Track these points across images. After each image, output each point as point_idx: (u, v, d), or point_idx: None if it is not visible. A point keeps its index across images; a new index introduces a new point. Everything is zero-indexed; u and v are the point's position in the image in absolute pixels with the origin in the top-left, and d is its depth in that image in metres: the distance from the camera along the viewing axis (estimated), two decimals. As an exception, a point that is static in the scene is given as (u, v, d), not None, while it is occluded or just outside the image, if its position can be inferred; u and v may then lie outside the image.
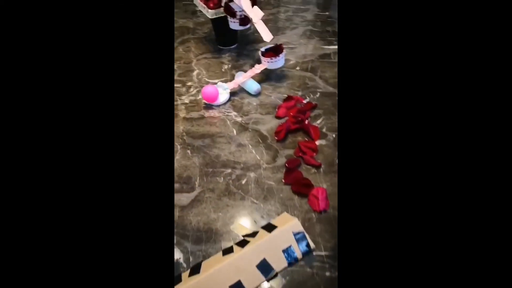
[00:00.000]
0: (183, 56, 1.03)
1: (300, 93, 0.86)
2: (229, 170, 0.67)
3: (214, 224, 0.58)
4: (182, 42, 1.10)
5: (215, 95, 0.80)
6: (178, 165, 0.69)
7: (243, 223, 0.57)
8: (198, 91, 0.88)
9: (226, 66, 0.97)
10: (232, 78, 0.92)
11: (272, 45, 0.89)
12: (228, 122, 0.78)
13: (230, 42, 1.05)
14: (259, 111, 0.81)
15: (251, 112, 0.80)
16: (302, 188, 0.61)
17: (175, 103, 0.85)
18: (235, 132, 0.76)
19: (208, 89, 0.80)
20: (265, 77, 0.90)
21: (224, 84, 0.84)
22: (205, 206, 0.61)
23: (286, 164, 0.66)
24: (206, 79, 0.92)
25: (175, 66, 0.99)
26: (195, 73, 0.96)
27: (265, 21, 1.22)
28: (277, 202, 0.61)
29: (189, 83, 0.92)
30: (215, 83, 0.88)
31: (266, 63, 0.86)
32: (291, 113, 0.76)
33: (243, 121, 0.78)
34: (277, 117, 0.78)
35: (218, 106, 0.82)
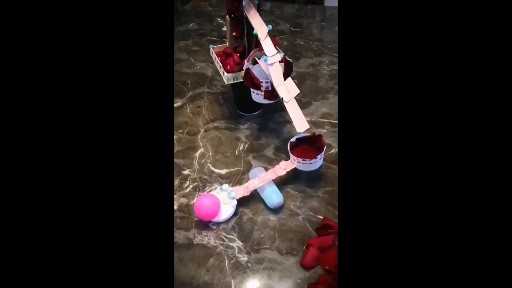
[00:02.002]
0: (189, 122, 0.76)
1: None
2: None
3: None
4: (192, 98, 0.84)
5: (213, 213, 0.52)
6: None
7: None
8: (195, 188, 0.61)
9: (241, 146, 0.69)
10: (247, 167, 0.64)
11: (308, 134, 0.60)
12: (226, 261, 0.49)
13: (252, 108, 0.77)
14: (276, 245, 0.51)
15: (264, 245, 0.51)
16: None
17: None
18: (233, 285, 0.47)
19: (204, 202, 0.52)
20: (292, 175, 0.62)
21: (230, 189, 0.56)
22: None
23: None
24: (211, 167, 0.65)
25: (175, 137, 0.73)
26: (198, 153, 0.68)
27: (302, 76, 0.92)
28: None
29: (186, 171, 0.64)
30: (221, 181, 0.60)
31: (295, 163, 0.57)
32: (327, 266, 0.47)
33: (249, 264, 0.48)
34: (304, 267, 0.49)
35: (218, 223, 0.55)
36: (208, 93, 0.85)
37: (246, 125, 0.74)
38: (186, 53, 1.03)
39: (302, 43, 1.07)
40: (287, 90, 0.56)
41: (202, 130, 0.72)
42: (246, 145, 0.68)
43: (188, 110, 0.78)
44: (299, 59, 0.98)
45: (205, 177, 0.61)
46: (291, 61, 0.61)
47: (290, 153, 0.55)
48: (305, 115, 0.75)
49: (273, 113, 0.77)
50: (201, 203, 0.51)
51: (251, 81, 0.57)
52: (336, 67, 0.94)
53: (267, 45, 0.56)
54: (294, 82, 0.90)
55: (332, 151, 0.66)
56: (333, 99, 0.82)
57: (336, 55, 1.00)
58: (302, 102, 0.80)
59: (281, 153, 0.66)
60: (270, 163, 0.64)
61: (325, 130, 0.71)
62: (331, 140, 0.69)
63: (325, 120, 0.74)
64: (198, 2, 1.38)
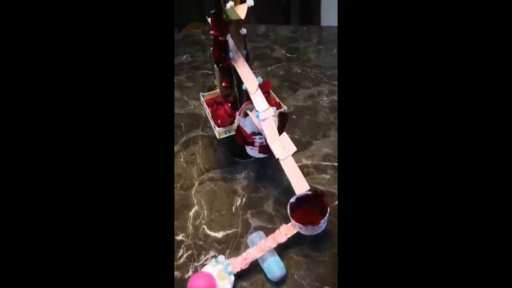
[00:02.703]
0: (182, 173, 0.72)
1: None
2: None
3: None
4: (186, 144, 0.80)
5: (208, 294, 0.48)
6: None
7: None
8: (190, 258, 0.56)
9: (239, 201, 0.65)
10: (245, 227, 0.59)
11: (309, 192, 0.55)
12: None
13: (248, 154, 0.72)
14: (280, 328, 0.46)
15: (267, 329, 0.47)
16: None
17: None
18: None
19: (198, 284, 0.47)
20: (291, 237, 0.57)
21: (227, 262, 0.51)
22: None
23: None
24: (206, 229, 0.60)
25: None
26: (192, 212, 0.64)
27: (300, 110, 0.86)
28: None
29: (180, 236, 0.60)
30: (217, 247, 0.54)
31: (297, 228, 0.52)
32: None
33: None
34: None
35: (215, 303, 0.50)
36: (203, 136, 0.80)
37: (243, 174, 0.69)
38: (179, 90, 0.99)
39: (299, 71, 1.03)
40: (283, 146, 0.52)
41: (196, 183, 0.68)
42: (244, 199, 0.63)
43: (181, 159, 0.74)
44: (296, 90, 0.94)
45: (200, 242, 0.57)
46: (286, 112, 0.56)
47: (290, 218, 0.51)
48: (306, 157, 0.71)
49: (270, 158, 0.72)
50: (195, 284, 0.46)
51: (243, 139, 0.53)
52: (336, 97, 0.89)
53: (258, 99, 0.52)
54: (293, 117, 0.86)
55: (337, 202, 0.61)
56: (335, 136, 0.76)
57: (336, 83, 0.95)
58: (302, 141, 0.76)
59: (282, 207, 0.61)
60: (270, 220, 0.59)
61: (328, 176, 0.66)
62: (334, 188, 0.64)
63: (327, 163, 0.69)
64: (190, 30, 1.35)
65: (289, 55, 1.11)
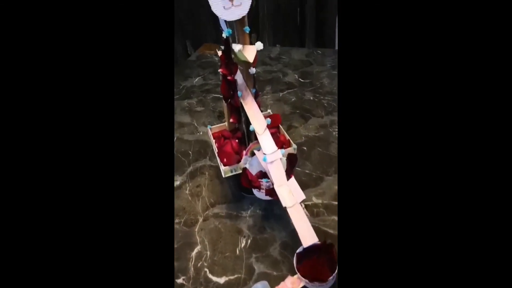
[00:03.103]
0: (187, 207, 0.69)
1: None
2: None
3: None
4: (193, 174, 0.77)
5: None
6: None
7: None
8: (189, 305, 0.53)
9: (243, 242, 0.61)
10: (248, 273, 0.55)
11: (318, 242, 0.51)
12: None
13: (256, 190, 0.69)
14: None
15: None
16: None
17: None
18: None
19: None
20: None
21: (227, 316, 0.48)
22: None
23: None
24: (208, 273, 0.57)
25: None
26: (195, 252, 0.61)
27: (312, 141, 0.82)
28: None
29: (181, 279, 0.56)
30: None
31: (302, 282, 0.49)
32: None
33: None
34: None
35: None
36: (210, 166, 0.78)
37: (249, 212, 0.66)
38: (189, 114, 0.98)
39: (311, 98, 1.00)
40: (291, 192, 0.49)
41: (200, 219, 0.65)
42: (249, 241, 0.60)
43: (187, 191, 0.72)
44: (308, 119, 0.91)
45: (201, 286, 0.54)
46: (295, 152, 0.54)
47: (296, 271, 0.47)
48: (316, 195, 0.68)
49: (279, 194, 0.69)
50: None
51: (249, 182, 0.50)
52: (349, 128, 0.86)
53: (266, 141, 0.49)
54: (303, 149, 0.83)
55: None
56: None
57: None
58: (313, 177, 0.72)
59: (289, 253, 0.57)
60: (275, 267, 0.56)
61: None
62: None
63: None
64: (203, 52, 1.35)
65: (302, 80, 1.08)
